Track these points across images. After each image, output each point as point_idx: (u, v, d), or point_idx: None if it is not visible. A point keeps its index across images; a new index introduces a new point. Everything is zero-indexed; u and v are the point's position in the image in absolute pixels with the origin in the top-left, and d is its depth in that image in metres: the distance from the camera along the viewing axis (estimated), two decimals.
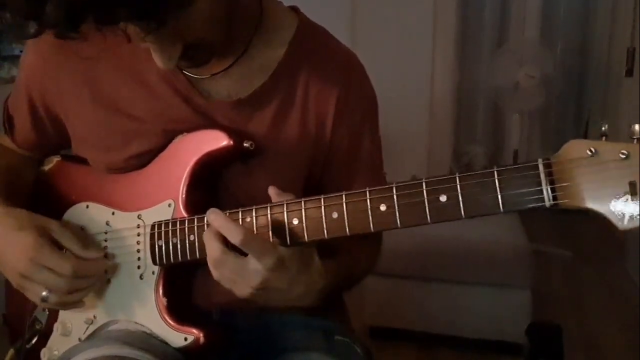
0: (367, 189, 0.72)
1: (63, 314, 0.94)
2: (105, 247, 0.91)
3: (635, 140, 0.60)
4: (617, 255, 3.14)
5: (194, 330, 0.83)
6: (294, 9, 0.93)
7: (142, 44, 0.73)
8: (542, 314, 2.30)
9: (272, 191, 0.77)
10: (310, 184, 0.92)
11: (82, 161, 0.96)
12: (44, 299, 0.84)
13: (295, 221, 0.75)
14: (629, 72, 3.23)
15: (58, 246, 0.86)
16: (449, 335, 2.28)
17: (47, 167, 1.01)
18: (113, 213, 0.91)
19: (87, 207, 0.93)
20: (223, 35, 0.80)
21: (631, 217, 0.59)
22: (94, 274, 0.88)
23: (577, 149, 0.62)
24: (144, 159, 0.89)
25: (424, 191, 0.68)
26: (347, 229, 0.73)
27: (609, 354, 2.32)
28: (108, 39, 0.87)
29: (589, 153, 0.61)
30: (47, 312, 0.96)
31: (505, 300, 2.22)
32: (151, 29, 0.67)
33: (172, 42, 0.73)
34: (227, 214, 0.80)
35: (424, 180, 0.69)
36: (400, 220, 0.70)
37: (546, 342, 2.05)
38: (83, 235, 0.91)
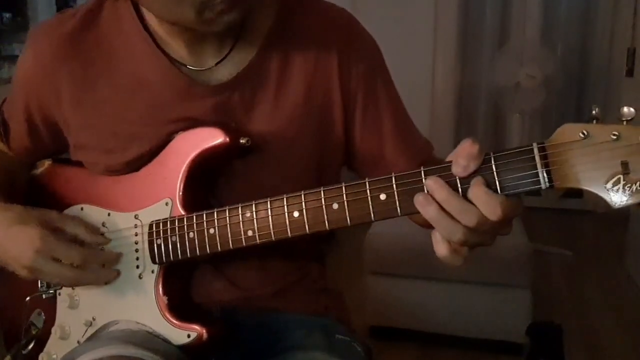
0: (367, 179, 0.71)
1: (61, 317, 0.94)
2: (102, 249, 0.90)
3: (624, 122, 0.62)
4: (617, 255, 3.14)
5: (197, 327, 0.83)
6: None
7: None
8: (542, 314, 2.30)
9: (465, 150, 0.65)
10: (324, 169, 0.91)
11: (75, 164, 0.95)
12: (57, 284, 0.86)
13: (296, 214, 0.75)
14: (629, 72, 3.23)
15: (62, 235, 0.86)
16: (449, 335, 2.28)
17: (38, 171, 1.00)
18: (109, 214, 0.90)
19: (82, 209, 0.93)
20: None
21: (623, 196, 0.61)
22: (103, 261, 0.87)
23: (570, 132, 0.63)
24: (144, 160, 0.89)
25: (423, 179, 0.69)
26: (348, 220, 0.73)
27: (609, 354, 2.32)
28: (107, 43, 0.88)
29: (582, 135, 0.62)
30: (44, 316, 0.95)
31: (505, 300, 2.22)
32: None
33: None
34: (227, 209, 0.80)
35: (422, 168, 0.69)
36: (400, 208, 0.70)
37: (546, 342, 2.05)
38: (85, 222, 0.91)
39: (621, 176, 0.61)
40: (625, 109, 0.62)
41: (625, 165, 0.61)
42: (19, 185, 1.00)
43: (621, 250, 3.11)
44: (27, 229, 0.84)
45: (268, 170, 0.88)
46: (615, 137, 0.61)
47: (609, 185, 0.62)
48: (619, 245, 3.13)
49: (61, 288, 0.93)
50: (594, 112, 0.64)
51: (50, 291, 0.93)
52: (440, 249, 0.70)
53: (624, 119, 0.62)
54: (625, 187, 0.61)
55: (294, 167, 0.89)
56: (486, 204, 0.65)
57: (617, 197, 0.61)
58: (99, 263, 0.87)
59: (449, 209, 0.67)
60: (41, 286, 0.94)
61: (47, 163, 1.00)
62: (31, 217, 0.85)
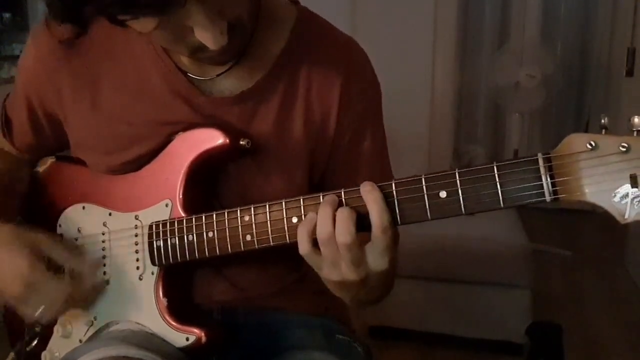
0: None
1: (63, 316, 0.93)
2: (104, 249, 0.91)
3: (635, 133, 0.59)
4: (617, 255, 3.14)
5: (196, 330, 0.83)
6: (293, 1, 0.92)
7: (187, 43, 0.73)
8: (542, 314, 2.30)
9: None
10: (312, 182, 0.91)
11: (77, 162, 0.95)
12: (37, 319, 0.84)
13: (295, 219, 0.75)
14: (629, 72, 3.23)
15: (51, 263, 0.85)
16: (449, 335, 2.28)
17: (41, 169, 1.00)
18: (110, 214, 0.90)
19: (84, 208, 0.93)
20: (251, 20, 0.78)
21: (632, 211, 0.59)
22: (89, 292, 0.88)
23: (576, 142, 0.61)
24: (143, 161, 0.89)
25: (424, 187, 0.68)
26: None
27: (609, 354, 2.32)
28: (109, 42, 0.88)
29: (589, 147, 0.60)
30: None
31: (505, 300, 2.22)
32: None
33: (219, 16, 0.70)
34: (226, 212, 0.80)
35: (423, 176, 0.68)
36: (400, 217, 0.70)
37: (546, 342, 2.05)
38: (75, 245, 0.91)
39: (630, 190, 0.59)
40: (637, 119, 0.59)
41: (634, 179, 0.59)
42: (20, 185, 1.00)
43: (621, 250, 3.11)
44: (16, 255, 0.82)
45: (266, 174, 0.88)
46: (624, 149, 0.59)
47: (617, 199, 0.59)
48: (619, 245, 3.13)
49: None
50: (602, 121, 0.62)
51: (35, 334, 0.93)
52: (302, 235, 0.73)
53: (634, 129, 0.59)
54: (634, 202, 0.59)
55: (288, 174, 0.89)
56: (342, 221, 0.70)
57: (626, 212, 0.59)
58: (80, 298, 0.87)
59: (339, 216, 0.71)
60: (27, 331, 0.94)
61: (49, 161, 1.00)
62: (21, 242, 0.84)
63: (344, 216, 0.70)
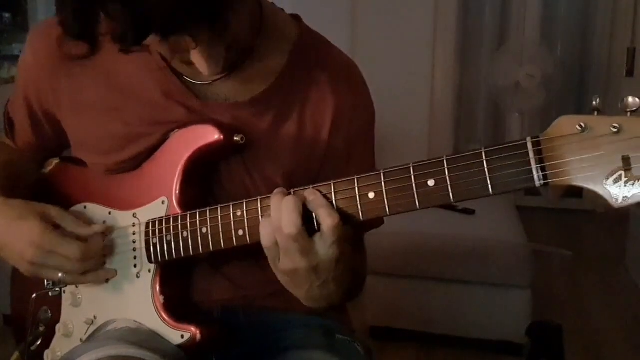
0: (355, 176, 0.71)
1: (65, 315, 0.94)
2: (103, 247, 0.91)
3: (628, 114, 0.57)
4: (617, 255, 3.14)
5: (191, 328, 0.83)
6: (296, 18, 0.93)
7: (182, 58, 0.74)
8: (542, 314, 2.29)
9: None
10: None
11: (81, 162, 0.96)
12: (60, 281, 0.86)
13: None
14: (629, 72, 3.23)
15: (61, 231, 0.86)
16: (449, 335, 2.28)
17: (47, 170, 1.02)
18: (110, 213, 0.91)
19: (85, 207, 0.94)
20: (253, 34, 0.79)
21: (626, 195, 0.57)
22: (99, 251, 0.88)
23: (566, 125, 0.60)
24: (141, 159, 0.89)
25: (412, 176, 0.67)
26: None
27: (609, 354, 2.31)
28: (105, 43, 0.87)
29: (579, 128, 0.59)
30: (50, 314, 0.96)
31: (505, 300, 2.21)
32: (217, 31, 0.69)
33: (217, 45, 0.72)
34: (219, 208, 0.80)
35: (411, 165, 0.67)
36: (389, 207, 0.69)
37: (546, 342, 2.04)
38: (84, 217, 0.92)
39: (622, 173, 0.56)
40: (630, 99, 0.57)
41: (626, 161, 0.56)
42: (25, 179, 1.00)
43: (621, 250, 3.11)
44: (27, 224, 0.84)
45: (255, 180, 0.88)
46: (615, 130, 0.56)
47: (609, 182, 0.57)
48: (619, 245, 3.13)
49: (66, 286, 0.93)
50: (594, 102, 0.60)
51: (56, 289, 0.94)
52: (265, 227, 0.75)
53: (628, 109, 0.57)
54: (627, 185, 0.56)
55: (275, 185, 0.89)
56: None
57: (618, 196, 0.56)
58: (97, 255, 0.87)
59: (284, 206, 0.72)
60: (47, 284, 0.94)
61: (54, 162, 1.01)
62: (31, 212, 0.85)
63: (289, 207, 0.71)
